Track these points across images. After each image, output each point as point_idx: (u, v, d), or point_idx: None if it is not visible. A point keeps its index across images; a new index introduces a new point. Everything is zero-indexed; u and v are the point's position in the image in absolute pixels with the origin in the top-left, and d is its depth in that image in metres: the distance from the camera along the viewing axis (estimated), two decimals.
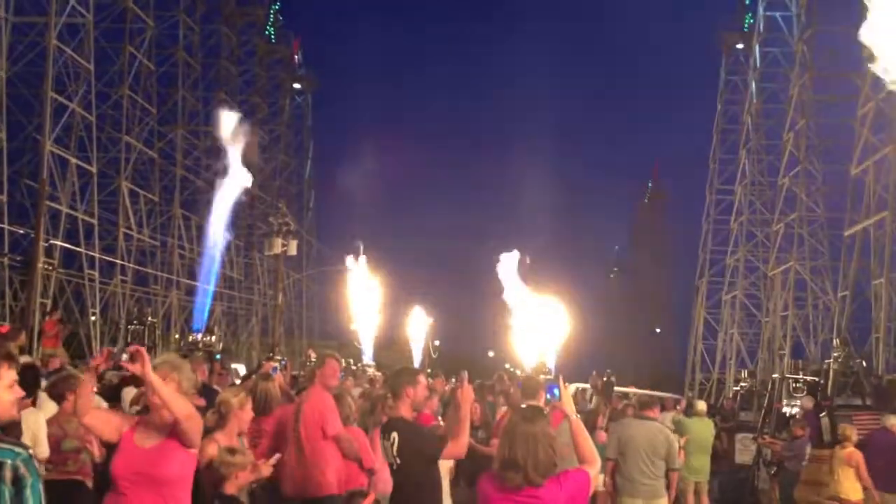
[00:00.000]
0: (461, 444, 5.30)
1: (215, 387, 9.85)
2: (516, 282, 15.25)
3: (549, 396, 7.20)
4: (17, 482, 2.94)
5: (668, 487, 8.67)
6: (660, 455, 8.51)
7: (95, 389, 7.72)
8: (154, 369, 4.40)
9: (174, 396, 4.24)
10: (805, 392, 18.83)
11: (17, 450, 3.09)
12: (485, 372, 19.63)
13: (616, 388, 19.88)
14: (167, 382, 4.38)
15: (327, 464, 6.83)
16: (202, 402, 7.69)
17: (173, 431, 4.34)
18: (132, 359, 4.26)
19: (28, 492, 3.00)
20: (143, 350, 4.22)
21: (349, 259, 22.42)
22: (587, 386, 19.41)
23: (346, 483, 6.84)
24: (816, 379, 19.11)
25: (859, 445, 10.43)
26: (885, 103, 27.84)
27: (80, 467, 6.45)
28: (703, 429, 12.32)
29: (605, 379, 20.21)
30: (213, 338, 31.96)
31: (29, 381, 7.24)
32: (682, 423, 12.30)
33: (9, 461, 2.97)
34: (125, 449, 4.38)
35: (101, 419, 4.46)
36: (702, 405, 13.17)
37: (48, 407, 7.05)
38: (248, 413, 6.00)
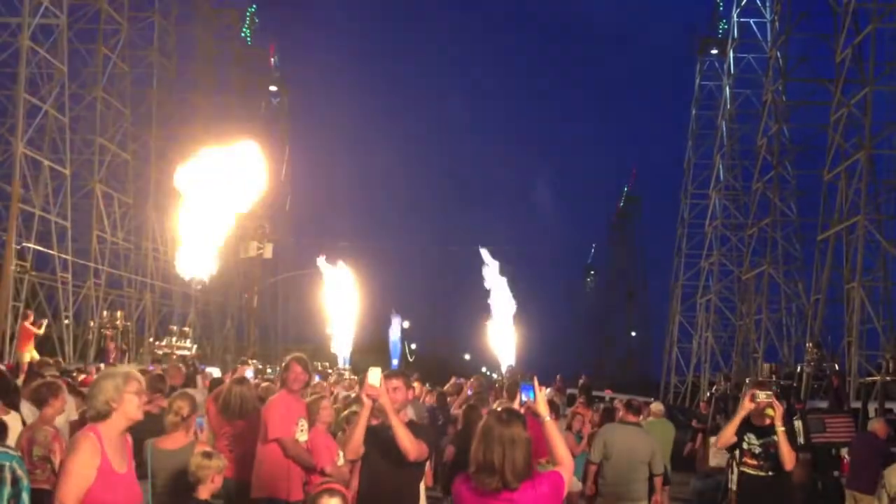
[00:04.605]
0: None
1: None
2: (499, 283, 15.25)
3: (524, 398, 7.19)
4: (16, 483, 2.92)
5: (652, 492, 8.71)
6: (643, 460, 8.54)
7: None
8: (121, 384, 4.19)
9: None
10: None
11: (11, 452, 3.06)
12: (462, 375, 19.66)
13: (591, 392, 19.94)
14: (138, 396, 4.22)
15: (279, 467, 6.84)
16: (164, 402, 7.66)
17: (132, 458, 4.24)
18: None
19: (25, 494, 2.99)
20: None
21: (323, 262, 22.28)
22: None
23: (309, 486, 6.84)
24: (790, 382, 19.26)
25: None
26: (857, 109, 28.22)
27: (47, 476, 6.36)
28: (662, 430, 12.35)
29: (581, 381, 20.26)
30: (188, 341, 31.74)
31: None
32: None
33: (7, 463, 2.95)
34: (112, 478, 4.04)
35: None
36: (657, 406, 13.24)
37: (28, 412, 7.01)
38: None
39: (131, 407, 4.16)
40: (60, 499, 3.76)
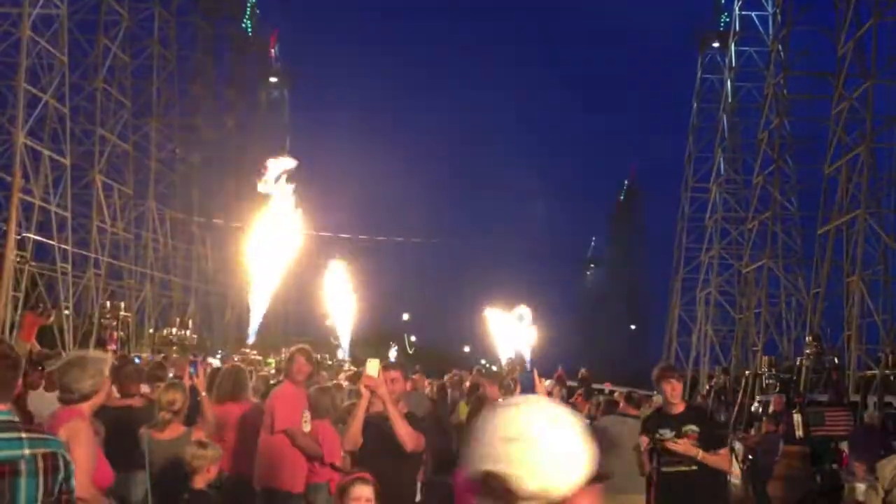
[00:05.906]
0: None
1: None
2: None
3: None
4: (67, 468, 2.95)
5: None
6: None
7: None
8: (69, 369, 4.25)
9: None
10: (777, 389, 19.02)
11: (56, 439, 3.10)
12: (462, 367, 19.73)
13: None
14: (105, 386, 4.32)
15: (283, 458, 6.82)
16: (147, 391, 7.66)
17: None
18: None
19: (73, 480, 3.00)
20: None
21: (328, 255, 22.39)
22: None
23: (311, 477, 6.83)
24: (790, 375, 19.29)
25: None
26: (859, 103, 28.19)
27: None
28: None
29: (581, 374, 20.25)
30: (188, 332, 31.76)
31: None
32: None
33: (59, 451, 2.97)
34: (100, 456, 4.23)
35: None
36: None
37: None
38: None
39: (107, 390, 4.40)
40: (87, 489, 3.76)
